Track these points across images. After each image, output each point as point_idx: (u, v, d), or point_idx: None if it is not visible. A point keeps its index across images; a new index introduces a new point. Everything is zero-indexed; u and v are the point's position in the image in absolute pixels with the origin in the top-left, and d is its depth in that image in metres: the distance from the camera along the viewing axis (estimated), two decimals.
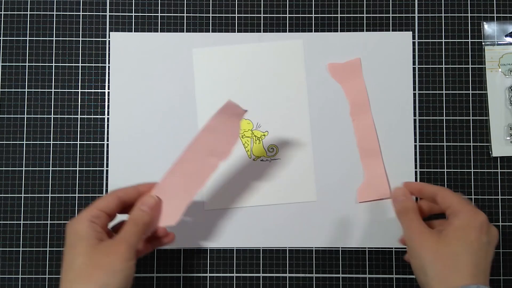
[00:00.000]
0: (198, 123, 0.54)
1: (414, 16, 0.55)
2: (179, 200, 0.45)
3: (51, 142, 0.54)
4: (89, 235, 0.40)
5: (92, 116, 0.54)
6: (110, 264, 0.39)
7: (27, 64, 0.55)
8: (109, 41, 0.55)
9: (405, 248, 0.53)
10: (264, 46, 0.54)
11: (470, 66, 0.55)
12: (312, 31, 0.55)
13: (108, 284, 0.38)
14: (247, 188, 0.53)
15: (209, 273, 0.53)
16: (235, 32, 0.55)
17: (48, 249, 0.53)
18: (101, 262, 0.39)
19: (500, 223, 0.53)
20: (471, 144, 0.54)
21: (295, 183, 0.53)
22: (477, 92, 0.54)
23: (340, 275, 0.53)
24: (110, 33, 0.55)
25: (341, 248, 0.53)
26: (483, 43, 0.55)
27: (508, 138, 0.53)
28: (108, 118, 0.54)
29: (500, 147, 0.54)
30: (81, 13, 0.55)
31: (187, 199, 0.45)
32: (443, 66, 0.55)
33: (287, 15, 0.55)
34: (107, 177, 0.54)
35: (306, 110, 0.54)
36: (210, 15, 0.55)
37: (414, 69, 0.55)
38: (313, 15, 0.55)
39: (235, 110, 0.45)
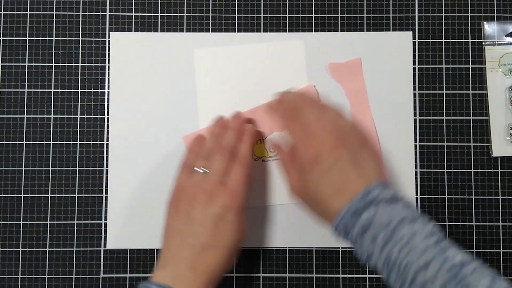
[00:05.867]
0: (199, 123, 0.54)
1: (414, 16, 0.55)
2: None
3: (51, 142, 0.54)
4: None
5: (92, 116, 0.54)
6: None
7: (26, 64, 0.55)
8: (109, 41, 0.55)
9: None
10: (264, 47, 0.54)
11: (470, 66, 0.55)
12: (312, 31, 0.55)
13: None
14: (248, 189, 0.53)
15: None
16: (235, 32, 0.55)
17: (48, 249, 0.53)
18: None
19: (501, 223, 0.53)
20: (471, 144, 0.54)
21: None
22: (477, 92, 0.54)
23: (340, 275, 0.53)
24: (110, 33, 0.55)
25: (341, 248, 0.53)
26: (483, 43, 0.55)
27: (508, 138, 0.53)
28: (108, 118, 0.54)
29: (500, 147, 0.54)
30: (81, 13, 0.55)
31: None
32: (443, 66, 0.55)
33: (287, 15, 0.55)
34: (107, 177, 0.54)
35: None
36: (210, 15, 0.55)
37: (414, 69, 0.55)
38: (313, 15, 0.55)
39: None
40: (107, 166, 0.54)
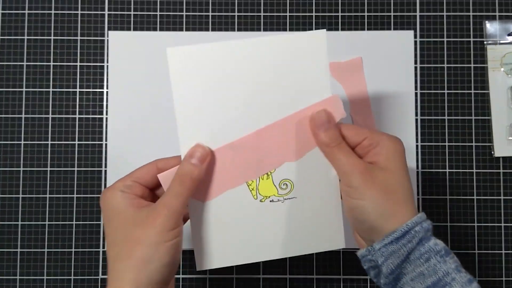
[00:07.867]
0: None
1: (416, 15, 0.55)
2: (221, 182, 0.38)
3: (49, 142, 0.54)
4: (123, 207, 0.36)
5: (90, 116, 0.54)
6: (149, 238, 0.35)
7: (25, 63, 0.54)
8: (107, 40, 0.54)
9: None
10: (268, 42, 0.41)
11: (472, 65, 0.54)
12: (312, 30, 0.55)
13: (151, 259, 0.34)
14: (255, 240, 0.39)
15: (209, 274, 0.53)
16: (235, 31, 0.54)
17: (46, 250, 0.53)
18: (139, 236, 0.35)
19: (503, 224, 0.53)
20: (473, 144, 0.54)
21: (318, 226, 0.40)
22: (479, 91, 0.54)
23: (341, 276, 0.53)
24: (109, 32, 0.54)
25: (342, 249, 0.53)
26: (485, 42, 0.54)
27: (510, 138, 0.53)
28: (106, 118, 0.54)
29: (502, 147, 0.53)
30: (79, 12, 0.55)
31: (229, 185, 0.39)
32: (445, 65, 0.54)
33: (288, 14, 0.55)
34: (105, 177, 0.53)
35: None
36: (210, 13, 0.55)
37: (415, 68, 0.54)
38: (313, 14, 0.55)
39: (333, 109, 0.38)
40: (105, 167, 0.53)
